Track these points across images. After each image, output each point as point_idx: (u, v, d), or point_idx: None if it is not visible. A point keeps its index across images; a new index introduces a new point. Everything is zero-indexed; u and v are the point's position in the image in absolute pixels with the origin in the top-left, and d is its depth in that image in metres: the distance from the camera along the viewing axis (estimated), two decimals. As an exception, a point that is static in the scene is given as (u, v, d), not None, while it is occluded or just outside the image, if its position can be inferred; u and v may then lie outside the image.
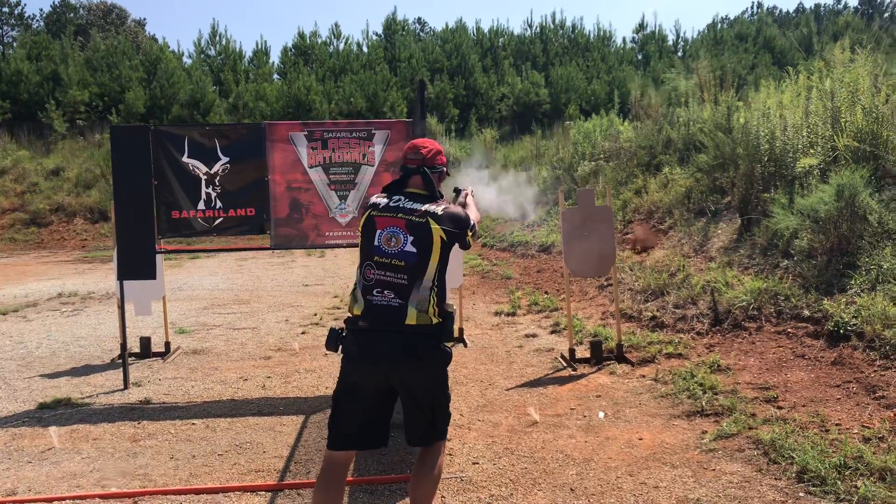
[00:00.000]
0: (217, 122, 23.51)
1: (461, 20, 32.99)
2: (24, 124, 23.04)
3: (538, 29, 29.41)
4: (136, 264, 5.73)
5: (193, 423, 4.93)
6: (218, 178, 5.85)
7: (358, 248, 3.03)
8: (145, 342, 6.78)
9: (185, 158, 5.80)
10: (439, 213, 2.92)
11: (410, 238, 2.87)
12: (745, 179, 8.21)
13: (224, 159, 5.84)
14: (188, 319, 8.50)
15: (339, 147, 5.89)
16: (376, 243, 2.89)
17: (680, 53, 29.87)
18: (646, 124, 13.41)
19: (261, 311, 8.99)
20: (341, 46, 27.52)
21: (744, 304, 6.14)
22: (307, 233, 5.93)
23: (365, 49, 27.83)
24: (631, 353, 6.14)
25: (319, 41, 27.42)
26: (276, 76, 26.82)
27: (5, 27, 37.03)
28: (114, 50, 25.56)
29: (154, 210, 5.75)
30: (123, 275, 5.79)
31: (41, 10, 53.45)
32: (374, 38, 28.92)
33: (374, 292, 2.85)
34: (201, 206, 5.86)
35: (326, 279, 11.76)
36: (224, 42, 26.52)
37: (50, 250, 17.64)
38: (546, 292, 9.24)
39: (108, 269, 13.47)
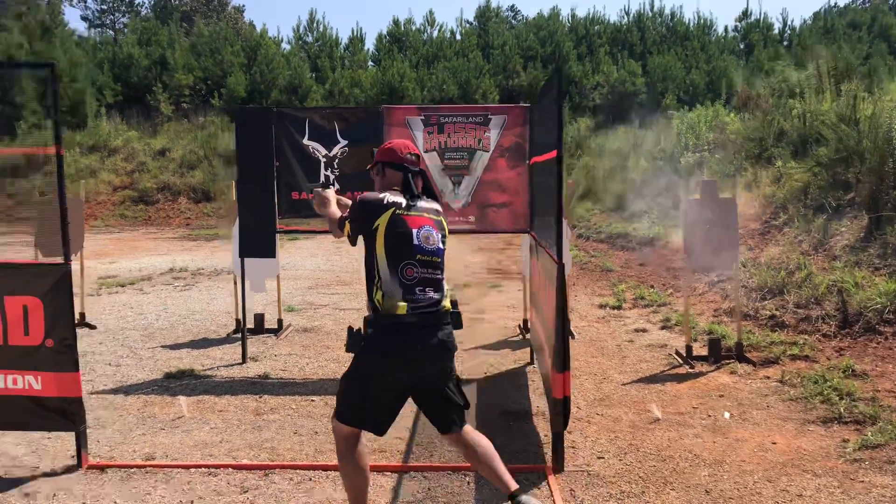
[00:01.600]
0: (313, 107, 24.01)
1: (556, 8, 32.57)
2: (134, 106, 24.17)
3: (636, 17, 28.61)
4: (257, 242, 5.88)
5: (312, 400, 5.02)
6: (336, 160, 5.92)
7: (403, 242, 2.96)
8: (259, 318, 6.97)
9: (305, 140, 5.89)
10: (442, 210, 3.16)
11: (439, 235, 3.02)
12: (873, 175, 7.73)
13: (343, 142, 5.90)
14: (295, 298, 8.70)
15: (454, 132, 5.86)
16: (416, 242, 2.93)
17: (786, 43, 28.48)
18: (755, 115, 12.85)
19: (363, 293, 9.09)
20: (435, 34, 27.59)
21: (878, 306, 5.78)
22: (422, 217, 5.92)
23: (458, 37, 27.79)
24: (751, 352, 5.88)
25: (414, 28, 27.56)
26: (370, 63, 27.14)
27: (116, 14, 38.94)
28: (217, 36, 26.44)
29: (275, 190, 5.87)
30: (244, 252, 5.95)
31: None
32: (468, 25, 28.84)
33: (417, 290, 2.88)
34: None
35: (422, 264, 11.81)
36: (321, 29, 27.02)
37: (157, 227, 18.47)
38: (652, 286, 8.98)
39: (213, 247, 13.99)
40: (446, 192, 5.88)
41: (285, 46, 27.30)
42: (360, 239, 3.08)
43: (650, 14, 28.43)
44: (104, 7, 38.92)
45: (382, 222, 2.93)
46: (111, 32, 35.90)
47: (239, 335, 6.86)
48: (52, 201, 7.25)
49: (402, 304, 2.85)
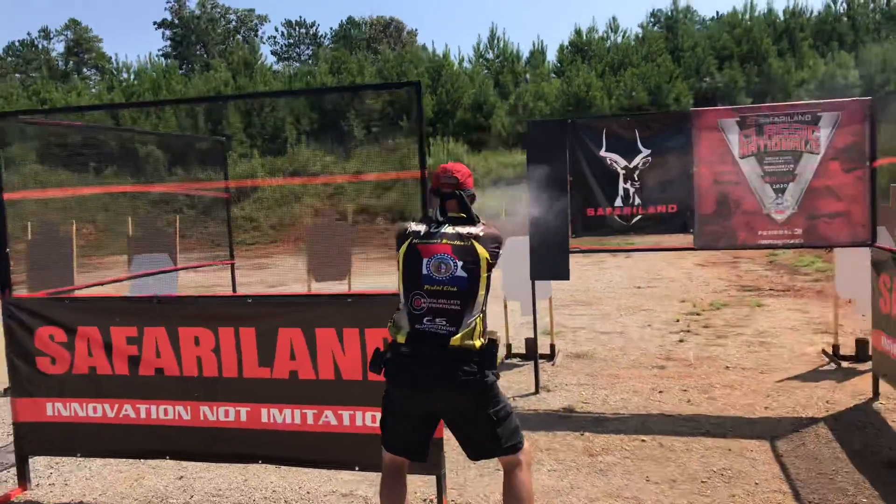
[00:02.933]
0: (499, 123, 23.95)
1: (751, 3, 30.48)
2: (328, 132, 25.26)
3: (844, 5, 26.12)
4: (549, 264, 5.48)
5: (642, 440, 4.49)
6: (637, 172, 5.41)
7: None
8: (531, 343, 6.59)
9: (602, 152, 5.44)
10: (481, 234, 2.89)
11: (460, 263, 2.82)
12: None
13: (644, 152, 5.38)
14: (543, 319, 8.27)
15: (776, 133, 5.16)
16: (425, 272, 2.84)
17: None
18: None
19: (612, 314, 8.52)
20: (619, 40, 26.69)
21: None
22: (736, 231, 5.27)
23: (644, 41, 26.70)
24: None
25: (596, 36, 26.82)
26: (552, 75, 26.70)
27: (301, 46, 41.38)
28: (401, 59, 27.15)
29: (569, 208, 5.46)
30: (536, 275, 5.57)
31: (331, 28, 59.18)
32: (654, 29, 27.66)
33: (425, 320, 2.81)
34: (618, 202, 5.47)
35: (654, 281, 11.06)
36: (502, 45, 26.97)
37: (359, 247, 18.95)
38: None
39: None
40: (767, 201, 5.18)
41: (466, 65, 27.53)
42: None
43: (861, 0, 25.83)
44: (290, 41, 41.49)
45: (402, 252, 2.92)
46: (297, 64, 38.13)
47: (514, 361, 6.60)
48: (319, 228, 7.31)
49: (403, 332, 2.85)
